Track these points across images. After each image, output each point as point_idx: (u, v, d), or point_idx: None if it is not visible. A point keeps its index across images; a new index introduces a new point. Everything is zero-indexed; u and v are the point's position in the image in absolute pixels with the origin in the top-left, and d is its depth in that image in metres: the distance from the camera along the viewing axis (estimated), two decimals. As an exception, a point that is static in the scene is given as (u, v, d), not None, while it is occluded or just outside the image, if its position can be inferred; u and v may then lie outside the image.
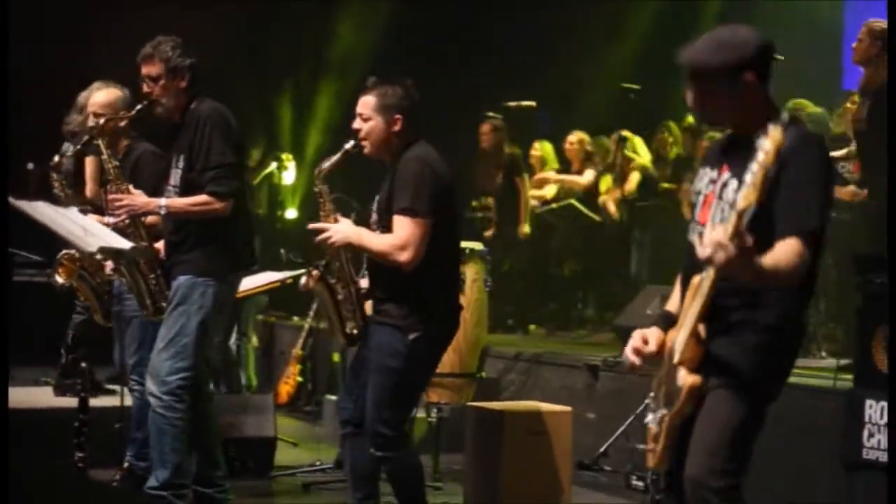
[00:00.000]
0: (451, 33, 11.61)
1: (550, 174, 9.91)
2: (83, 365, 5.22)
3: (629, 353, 3.48)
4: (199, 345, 4.91)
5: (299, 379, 8.97)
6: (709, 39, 3.39)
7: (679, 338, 3.31)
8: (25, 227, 5.09)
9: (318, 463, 6.56)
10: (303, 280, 4.65)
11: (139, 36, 5.14)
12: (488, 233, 9.64)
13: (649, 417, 3.51)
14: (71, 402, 6.12)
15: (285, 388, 8.99)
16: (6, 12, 5.28)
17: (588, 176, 9.57)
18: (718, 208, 3.38)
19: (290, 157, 11.16)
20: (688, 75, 3.41)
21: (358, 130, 4.55)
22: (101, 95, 5.57)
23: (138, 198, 4.99)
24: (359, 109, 4.56)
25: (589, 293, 10.00)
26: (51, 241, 5.59)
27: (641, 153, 9.36)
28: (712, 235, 2.96)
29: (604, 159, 9.69)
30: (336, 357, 8.47)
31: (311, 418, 8.46)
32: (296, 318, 10.08)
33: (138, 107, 5.08)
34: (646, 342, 3.44)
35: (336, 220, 4.55)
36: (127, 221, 4.97)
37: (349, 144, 4.57)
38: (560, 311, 10.01)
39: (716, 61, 3.33)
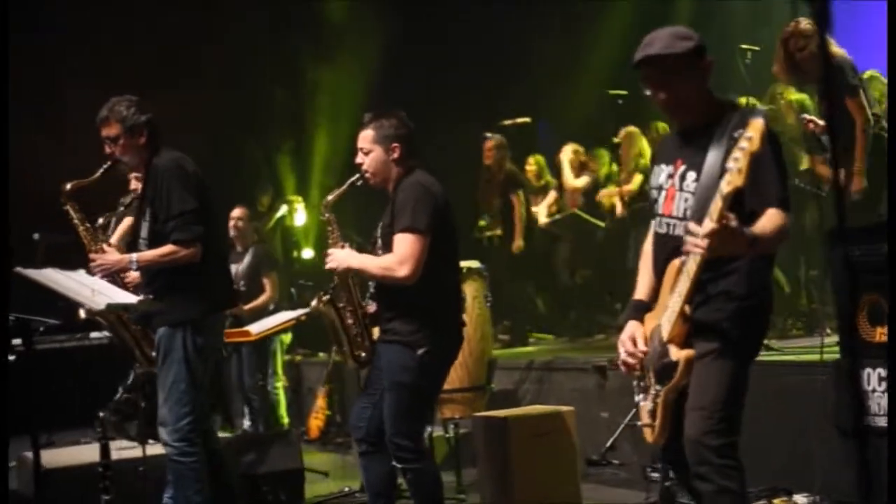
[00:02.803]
0: (443, 61, 11.88)
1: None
2: (101, 414, 5.43)
3: (626, 358, 3.76)
4: (194, 388, 5.10)
5: (328, 412, 9.20)
6: (662, 35, 3.70)
7: (665, 317, 3.60)
8: (45, 295, 5.36)
9: (346, 489, 6.77)
10: (313, 302, 4.95)
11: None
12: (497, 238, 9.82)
13: (640, 397, 3.76)
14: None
15: (315, 423, 9.22)
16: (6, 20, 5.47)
17: (583, 179, 9.78)
18: (681, 199, 3.68)
19: (300, 199, 11.44)
20: (652, 71, 3.68)
21: (361, 164, 4.85)
22: None
23: (110, 255, 5.21)
24: (359, 144, 4.86)
25: (604, 298, 10.17)
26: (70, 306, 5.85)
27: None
28: (704, 228, 3.30)
29: (600, 168, 9.89)
30: (363, 386, 8.70)
31: (342, 449, 8.68)
32: (321, 355, 10.33)
33: (102, 167, 5.28)
34: (634, 342, 3.69)
35: (343, 247, 4.86)
36: (106, 280, 5.19)
37: (355, 177, 4.88)
38: (579, 319, 10.20)
39: (682, 48, 3.66)
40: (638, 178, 9.30)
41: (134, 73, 10.16)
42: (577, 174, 9.88)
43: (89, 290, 5.04)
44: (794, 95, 8.04)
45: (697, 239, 3.33)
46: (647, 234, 8.79)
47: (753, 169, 3.25)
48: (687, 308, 3.54)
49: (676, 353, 3.56)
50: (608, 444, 6.22)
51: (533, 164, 10.32)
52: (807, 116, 6.84)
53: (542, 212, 10.01)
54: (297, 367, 10.40)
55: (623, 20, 11.33)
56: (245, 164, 12.32)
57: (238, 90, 11.86)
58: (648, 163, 9.34)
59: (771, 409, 5.44)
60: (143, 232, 5.20)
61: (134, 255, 5.14)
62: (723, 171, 3.36)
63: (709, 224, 3.28)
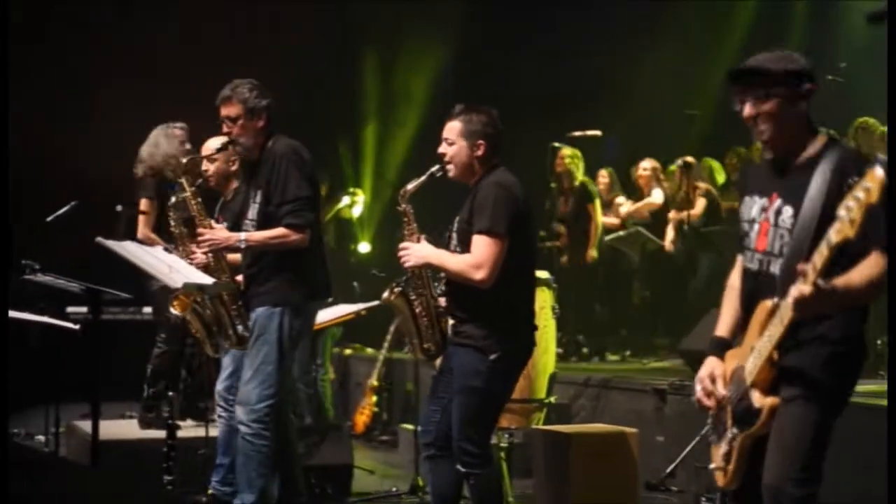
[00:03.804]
0: (511, 67, 11.81)
1: (621, 199, 10.04)
2: (170, 393, 5.46)
3: (702, 398, 3.65)
4: (281, 372, 5.11)
5: (375, 409, 9.18)
6: (770, 55, 3.58)
7: (751, 360, 3.46)
8: (113, 266, 5.38)
9: (394, 489, 6.74)
10: (385, 294, 4.89)
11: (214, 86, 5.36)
12: (564, 258, 9.76)
13: (713, 438, 3.66)
14: (155, 433, 6.40)
15: (361, 419, 9.20)
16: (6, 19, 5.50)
17: (657, 196, 9.69)
18: (776, 235, 3.54)
19: (360, 191, 11.40)
20: (758, 83, 3.53)
21: (443, 154, 4.78)
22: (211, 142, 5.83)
23: (220, 232, 5.22)
24: (444, 134, 4.79)
25: (659, 319, 10.08)
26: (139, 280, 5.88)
27: (718, 178, 9.48)
28: (799, 289, 3.17)
29: (672, 187, 9.80)
30: (410, 386, 8.68)
31: (387, 447, 8.66)
32: (370, 350, 10.31)
33: (217, 146, 5.32)
34: (714, 380, 3.60)
35: (419, 240, 4.79)
36: (210, 255, 5.20)
37: (435, 168, 4.80)
38: (631, 338, 10.11)
39: (778, 68, 3.52)
40: (701, 203, 9.21)
41: (181, 66, 10.22)
42: (650, 193, 9.80)
43: (167, 266, 5.06)
44: (880, 128, 7.93)
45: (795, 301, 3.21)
46: (713, 258, 8.62)
47: (865, 219, 3.14)
48: (776, 354, 3.42)
49: (760, 400, 3.43)
50: (668, 470, 6.13)
51: (606, 175, 10.29)
52: None
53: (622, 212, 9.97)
54: (345, 361, 10.38)
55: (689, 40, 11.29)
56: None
57: (296, 81, 11.83)
58: (713, 189, 9.26)
59: (841, 454, 5.31)
60: (252, 213, 5.22)
61: (243, 235, 5.16)
62: (823, 209, 3.26)
63: (806, 288, 3.15)
